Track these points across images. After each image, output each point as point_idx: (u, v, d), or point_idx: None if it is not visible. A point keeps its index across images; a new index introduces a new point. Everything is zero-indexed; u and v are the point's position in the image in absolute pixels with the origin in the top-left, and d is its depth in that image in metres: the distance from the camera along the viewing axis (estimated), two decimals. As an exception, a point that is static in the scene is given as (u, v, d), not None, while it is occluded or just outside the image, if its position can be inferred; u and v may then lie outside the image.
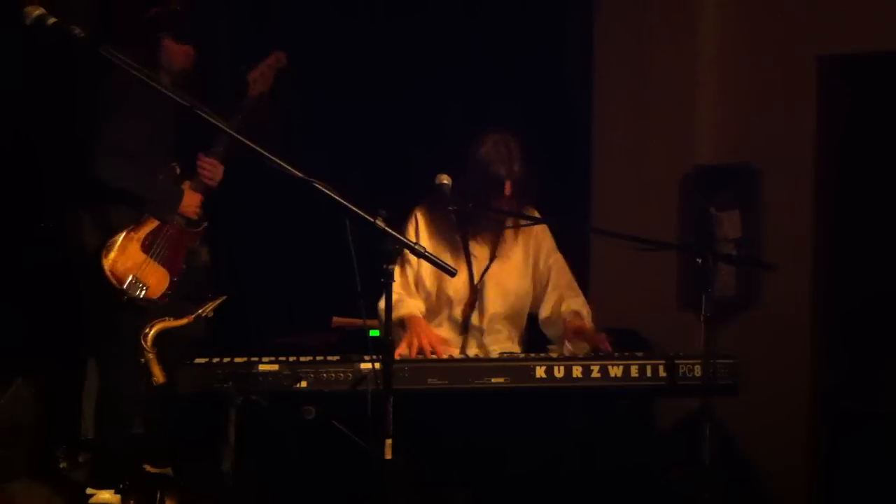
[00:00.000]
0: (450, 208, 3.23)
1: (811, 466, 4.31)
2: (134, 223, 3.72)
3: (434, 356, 3.06)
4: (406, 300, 3.29)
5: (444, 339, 3.25)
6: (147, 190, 3.74)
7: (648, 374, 2.95)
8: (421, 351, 3.07)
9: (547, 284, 3.43)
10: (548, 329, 3.43)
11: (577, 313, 3.32)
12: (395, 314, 3.20)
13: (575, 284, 3.46)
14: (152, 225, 3.75)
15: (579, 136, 4.89)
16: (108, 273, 3.61)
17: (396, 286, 3.26)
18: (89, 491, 3.72)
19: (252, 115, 3.84)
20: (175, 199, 3.79)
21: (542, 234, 3.47)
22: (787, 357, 4.32)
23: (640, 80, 4.69)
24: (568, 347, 3.21)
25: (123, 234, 3.67)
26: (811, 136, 4.34)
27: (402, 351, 3.09)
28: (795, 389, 4.33)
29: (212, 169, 3.85)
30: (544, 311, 3.43)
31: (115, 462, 3.76)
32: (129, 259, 3.66)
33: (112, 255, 3.63)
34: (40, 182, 4.27)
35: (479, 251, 3.39)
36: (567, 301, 3.38)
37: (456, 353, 3.35)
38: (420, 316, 3.27)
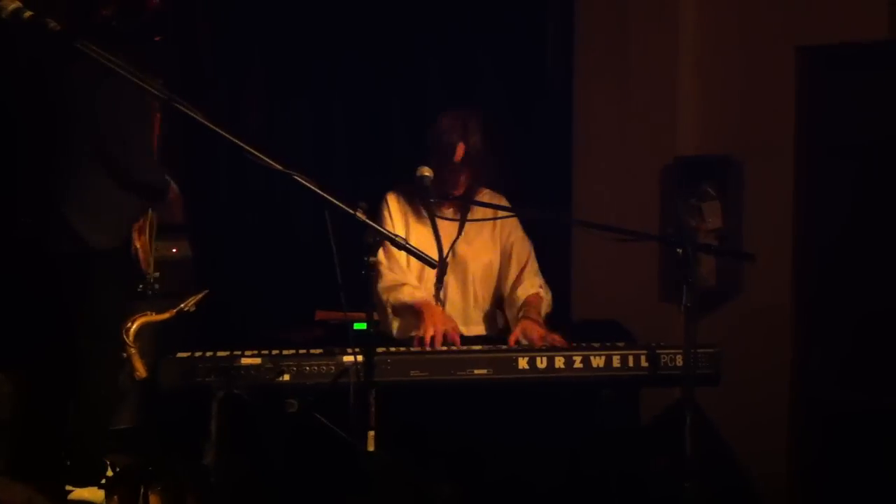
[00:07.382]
0: (431, 200, 3.24)
1: (792, 458, 4.34)
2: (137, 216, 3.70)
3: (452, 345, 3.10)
4: (409, 285, 3.33)
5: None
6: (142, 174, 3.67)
7: (630, 364, 2.97)
8: (444, 339, 3.10)
9: (510, 261, 3.46)
10: (505, 310, 3.46)
11: (531, 304, 3.33)
12: (404, 298, 3.28)
13: (535, 266, 3.48)
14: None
15: (560, 128, 4.89)
16: (141, 258, 3.65)
17: (395, 273, 3.34)
18: (69, 488, 3.70)
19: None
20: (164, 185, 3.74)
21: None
22: (767, 348, 4.33)
23: (621, 71, 4.69)
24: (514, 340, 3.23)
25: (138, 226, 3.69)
26: (791, 126, 4.36)
27: (420, 334, 3.13)
28: (776, 380, 4.34)
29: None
30: (504, 291, 3.46)
31: (94, 458, 3.75)
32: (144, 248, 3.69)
33: (141, 239, 3.67)
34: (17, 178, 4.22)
35: (447, 229, 3.41)
36: (524, 283, 3.41)
37: None
38: (433, 302, 3.30)
